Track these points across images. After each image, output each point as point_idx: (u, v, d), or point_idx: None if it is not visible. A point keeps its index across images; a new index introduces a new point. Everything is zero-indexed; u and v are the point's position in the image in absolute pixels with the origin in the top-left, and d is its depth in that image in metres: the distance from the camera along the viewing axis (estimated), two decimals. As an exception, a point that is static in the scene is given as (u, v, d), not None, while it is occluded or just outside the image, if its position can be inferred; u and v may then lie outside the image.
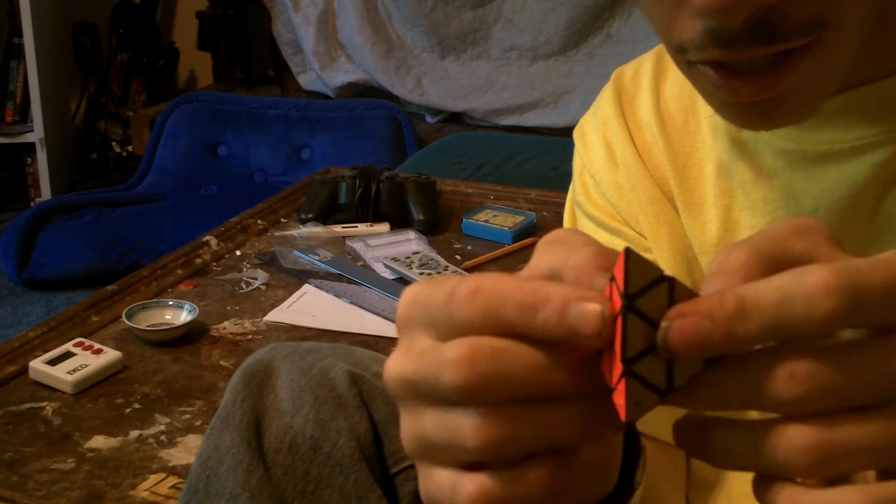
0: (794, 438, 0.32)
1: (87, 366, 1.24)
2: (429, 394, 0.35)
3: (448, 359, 0.34)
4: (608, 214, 0.72)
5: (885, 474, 0.33)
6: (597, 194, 0.73)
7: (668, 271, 0.77)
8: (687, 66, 0.50)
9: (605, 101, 0.72)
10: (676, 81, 0.69)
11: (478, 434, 0.34)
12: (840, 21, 0.45)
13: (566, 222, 0.78)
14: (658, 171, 0.69)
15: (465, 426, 0.34)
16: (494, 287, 0.34)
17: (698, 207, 0.66)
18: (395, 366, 0.37)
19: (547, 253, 0.37)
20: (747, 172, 0.62)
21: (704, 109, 0.66)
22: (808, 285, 0.31)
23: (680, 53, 0.49)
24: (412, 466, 0.71)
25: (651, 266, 0.33)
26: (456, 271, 1.49)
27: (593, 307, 0.33)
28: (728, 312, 0.32)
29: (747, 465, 0.33)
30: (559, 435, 0.35)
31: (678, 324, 0.32)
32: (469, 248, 1.67)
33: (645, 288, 0.33)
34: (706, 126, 0.66)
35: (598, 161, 0.72)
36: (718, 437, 0.34)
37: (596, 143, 0.72)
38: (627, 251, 0.33)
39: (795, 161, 0.59)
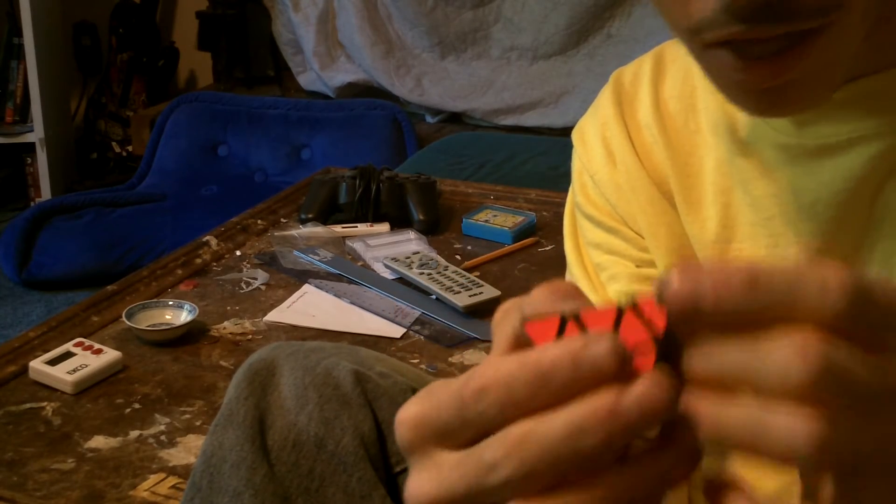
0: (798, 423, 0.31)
1: (87, 366, 1.24)
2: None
3: (489, 459, 0.33)
4: (606, 214, 0.72)
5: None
6: (595, 194, 0.73)
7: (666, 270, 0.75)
8: (701, 50, 0.50)
9: (604, 102, 0.73)
10: (676, 81, 0.69)
11: None
12: (852, 3, 0.46)
13: (566, 224, 0.78)
14: (657, 172, 0.69)
15: None
16: (498, 376, 0.33)
17: (697, 205, 0.67)
18: (424, 489, 0.35)
19: (502, 324, 0.36)
20: (747, 169, 0.63)
21: (704, 106, 0.67)
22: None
23: (696, 34, 0.48)
24: None
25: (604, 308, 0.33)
26: (456, 271, 1.49)
27: (604, 345, 0.32)
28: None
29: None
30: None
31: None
32: (469, 248, 1.67)
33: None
34: (706, 124, 0.67)
35: (597, 161, 0.72)
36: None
37: (595, 143, 0.72)
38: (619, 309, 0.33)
39: (794, 156, 0.59)
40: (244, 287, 1.51)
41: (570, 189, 0.78)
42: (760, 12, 0.44)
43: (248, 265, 1.60)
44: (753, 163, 0.62)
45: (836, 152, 0.57)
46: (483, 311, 1.41)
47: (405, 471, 0.71)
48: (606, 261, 0.73)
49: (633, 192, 0.70)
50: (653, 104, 0.69)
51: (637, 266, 0.71)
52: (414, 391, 0.73)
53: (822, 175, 0.58)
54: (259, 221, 1.77)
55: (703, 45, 0.49)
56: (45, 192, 3.06)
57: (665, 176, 0.68)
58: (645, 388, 0.32)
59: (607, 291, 0.72)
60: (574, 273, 0.75)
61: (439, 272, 1.49)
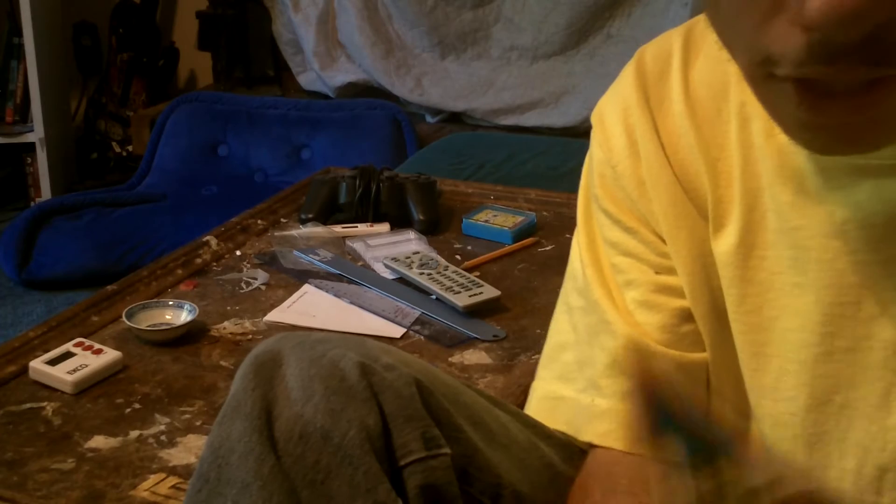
0: None
1: (87, 366, 1.23)
2: None
3: None
4: (626, 211, 0.68)
5: None
6: (615, 187, 0.69)
7: (684, 279, 0.69)
8: (764, 81, 0.45)
9: (626, 84, 0.68)
10: (708, 64, 0.64)
11: None
12: None
13: (580, 216, 0.74)
14: (683, 167, 0.64)
15: None
16: None
17: (728, 205, 0.62)
18: None
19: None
20: (776, 174, 0.59)
21: (736, 97, 0.62)
22: None
23: (763, 66, 0.44)
24: (420, 460, 0.70)
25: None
26: (456, 271, 1.49)
27: None
28: None
29: None
30: None
31: None
32: (469, 248, 1.67)
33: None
34: (734, 116, 0.62)
35: (619, 151, 0.68)
36: None
37: (616, 129, 0.68)
38: None
39: (828, 169, 0.56)
40: (244, 287, 1.51)
41: (584, 178, 0.73)
42: (849, 54, 0.40)
43: (248, 265, 1.60)
44: (784, 168, 0.58)
45: (878, 174, 0.53)
46: (483, 311, 1.41)
47: (409, 465, 0.71)
48: (623, 263, 0.69)
49: (656, 190, 0.65)
50: (683, 90, 0.64)
51: (656, 272, 0.67)
52: (417, 383, 0.72)
53: (857, 194, 0.55)
54: (259, 221, 1.77)
55: (767, 76, 0.45)
56: (45, 192, 3.06)
57: (694, 172, 0.64)
58: None
59: (624, 297, 0.68)
60: (586, 274, 0.71)
61: (439, 272, 1.49)
